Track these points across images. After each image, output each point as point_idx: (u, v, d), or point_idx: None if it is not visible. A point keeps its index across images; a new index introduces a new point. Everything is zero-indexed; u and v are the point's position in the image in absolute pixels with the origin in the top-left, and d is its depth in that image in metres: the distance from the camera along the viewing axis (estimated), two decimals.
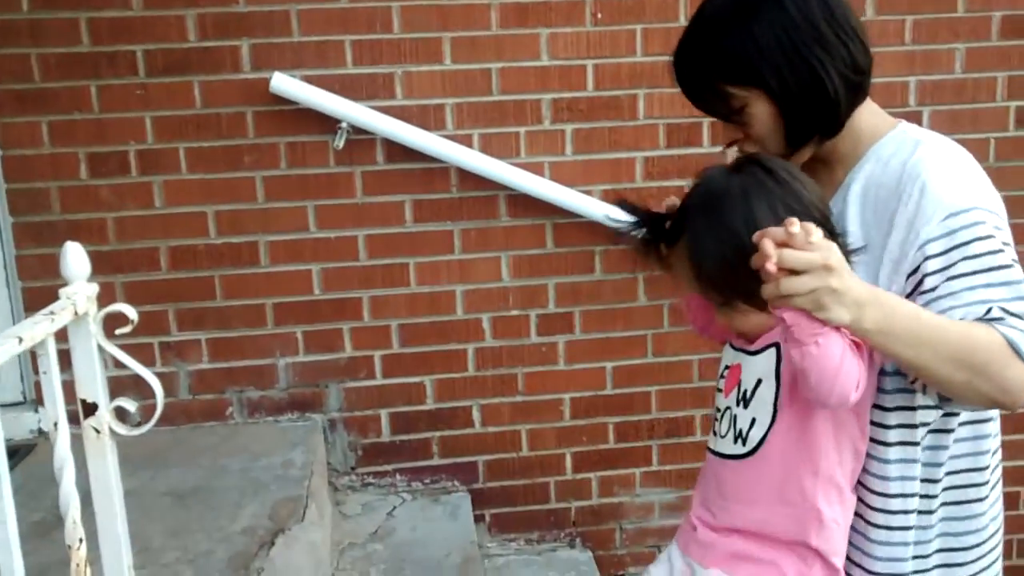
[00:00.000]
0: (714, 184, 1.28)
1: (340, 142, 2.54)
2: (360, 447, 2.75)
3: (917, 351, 1.17)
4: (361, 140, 2.58)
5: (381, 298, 2.67)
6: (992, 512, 1.43)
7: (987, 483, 1.41)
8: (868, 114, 1.39)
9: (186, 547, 1.98)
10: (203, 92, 2.52)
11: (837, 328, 1.14)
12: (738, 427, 1.34)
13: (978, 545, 1.42)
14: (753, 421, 1.31)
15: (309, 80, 2.52)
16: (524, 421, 2.82)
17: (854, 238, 1.33)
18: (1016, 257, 1.27)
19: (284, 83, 2.48)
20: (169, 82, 2.50)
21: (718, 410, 1.40)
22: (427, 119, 2.59)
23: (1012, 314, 1.20)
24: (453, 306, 2.71)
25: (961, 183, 1.31)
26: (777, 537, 1.32)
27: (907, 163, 1.32)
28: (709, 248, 1.25)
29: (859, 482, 1.36)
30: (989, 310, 1.21)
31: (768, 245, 1.08)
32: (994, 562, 1.45)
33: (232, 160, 2.56)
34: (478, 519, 2.82)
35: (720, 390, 1.40)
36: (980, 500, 1.41)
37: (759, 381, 1.31)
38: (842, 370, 1.16)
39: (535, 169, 2.64)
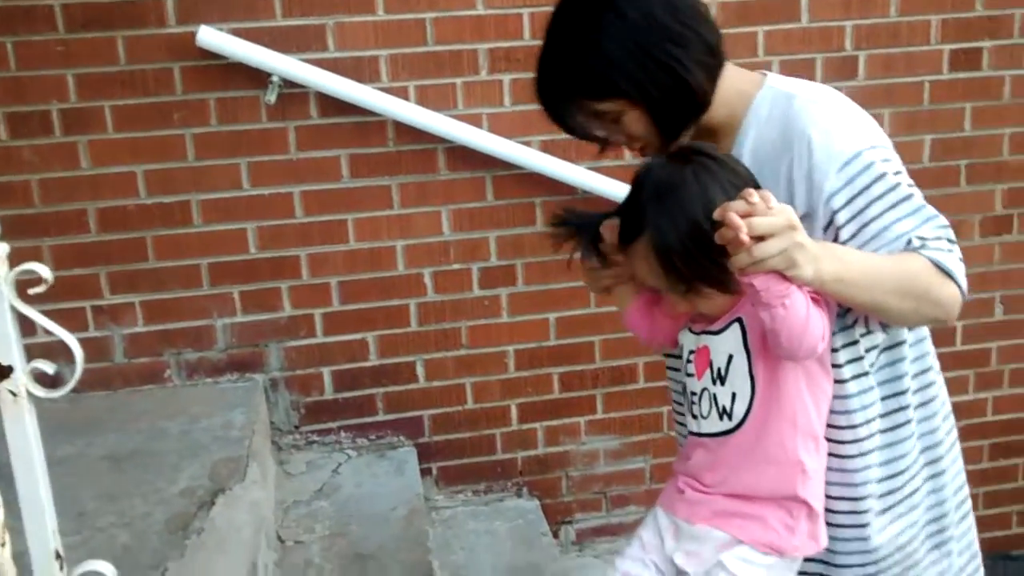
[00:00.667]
0: (665, 176, 1.30)
1: (272, 97, 2.48)
2: (303, 406, 2.73)
3: (870, 292, 1.27)
4: (294, 94, 2.52)
5: (319, 256, 2.63)
6: (947, 405, 1.55)
7: (939, 379, 1.52)
8: (732, 79, 1.42)
9: (122, 511, 1.96)
10: (127, 48, 2.44)
11: (800, 286, 1.21)
12: (720, 404, 1.39)
13: (948, 434, 1.54)
14: (734, 395, 1.37)
15: (237, 33, 2.45)
16: (469, 374, 2.81)
17: None
18: (911, 182, 1.36)
19: (211, 37, 2.41)
20: (91, 38, 2.42)
21: (693, 393, 1.43)
22: (361, 71, 2.54)
23: (927, 239, 1.31)
24: (394, 262, 2.68)
25: (843, 130, 1.35)
26: (765, 496, 1.38)
27: (787, 122, 1.36)
28: (673, 237, 1.26)
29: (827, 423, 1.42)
30: (909, 242, 1.30)
31: (734, 217, 1.13)
32: (957, 453, 1.57)
33: (160, 118, 2.48)
34: (425, 473, 2.83)
35: (691, 375, 1.43)
36: (937, 397, 1.51)
37: (731, 357, 1.36)
38: (809, 325, 1.23)
39: (473, 121, 2.61)
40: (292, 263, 2.62)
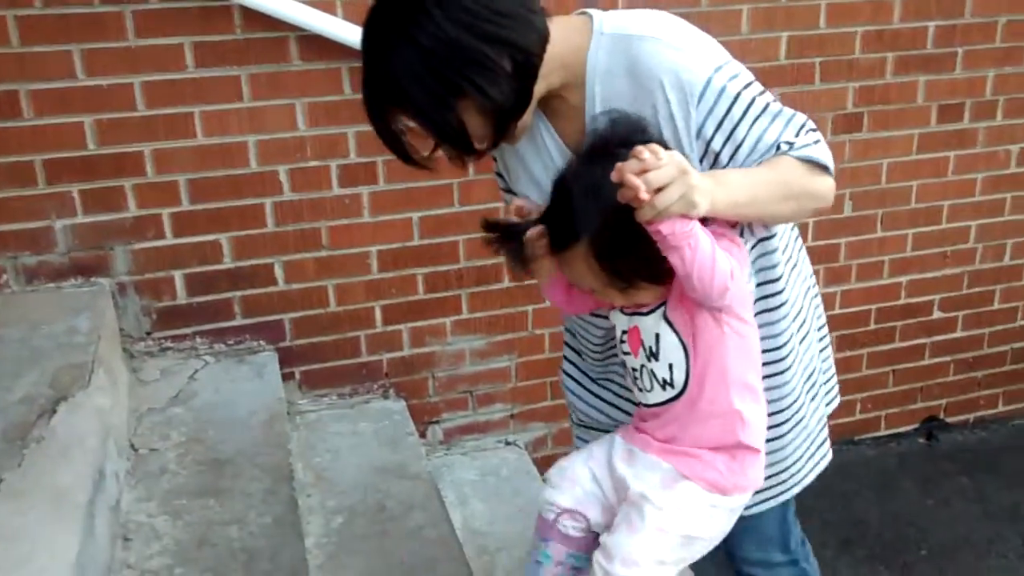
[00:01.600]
0: (589, 179, 1.34)
1: None
2: (155, 311, 2.61)
3: (759, 207, 1.39)
4: None
5: (165, 152, 2.48)
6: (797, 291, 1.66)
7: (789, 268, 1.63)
8: (561, 38, 1.41)
9: None
10: None
11: (703, 226, 1.31)
12: (660, 377, 1.47)
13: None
14: (671, 366, 1.46)
15: None
16: (330, 276, 2.74)
17: None
18: (762, 90, 1.44)
19: None
20: None
21: (634, 370, 1.52)
22: None
23: (793, 141, 1.40)
24: (246, 159, 2.55)
25: (687, 59, 1.39)
26: (712, 447, 1.49)
27: (633, 67, 1.40)
28: (612, 241, 1.34)
29: None
30: (778, 147, 1.40)
31: (631, 177, 1.20)
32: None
33: None
34: (287, 377, 2.76)
35: (627, 353, 1.52)
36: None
37: (658, 335, 1.45)
38: (716, 263, 1.31)
39: (327, 8, 2.47)
40: (135, 159, 2.46)
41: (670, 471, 1.49)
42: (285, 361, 2.74)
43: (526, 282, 2.92)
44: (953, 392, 3.62)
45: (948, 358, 3.55)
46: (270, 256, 2.66)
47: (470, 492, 2.88)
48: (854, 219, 3.21)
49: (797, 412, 1.67)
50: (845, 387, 3.43)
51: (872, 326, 3.37)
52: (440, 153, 1.44)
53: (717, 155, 1.41)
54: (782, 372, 1.62)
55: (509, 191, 1.67)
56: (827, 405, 1.83)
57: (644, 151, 1.22)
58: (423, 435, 3.00)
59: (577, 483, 1.59)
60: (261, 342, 2.73)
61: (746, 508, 1.59)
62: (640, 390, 1.53)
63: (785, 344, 1.61)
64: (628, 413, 1.73)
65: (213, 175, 2.54)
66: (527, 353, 3.03)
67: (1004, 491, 3.28)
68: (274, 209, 2.62)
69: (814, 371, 1.73)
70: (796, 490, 1.74)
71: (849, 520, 3.12)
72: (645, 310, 1.46)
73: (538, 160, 1.55)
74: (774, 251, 1.56)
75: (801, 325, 1.66)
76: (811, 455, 1.75)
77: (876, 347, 3.41)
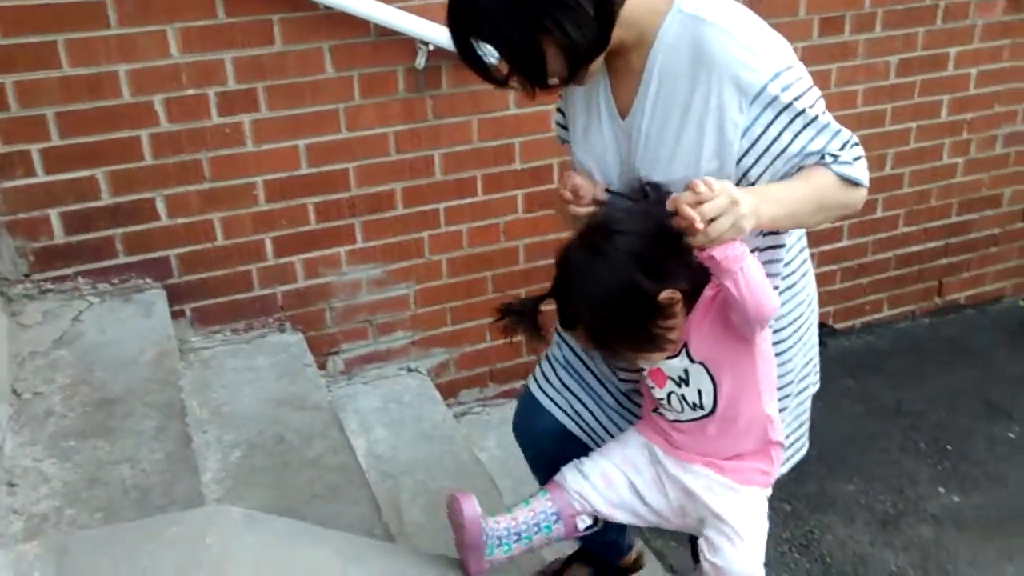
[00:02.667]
0: (582, 266, 1.44)
1: None
2: (31, 252, 2.50)
3: (795, 219, 1.49)
4: None
5: (28, 83, 2.35)
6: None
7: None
8: (641, 1, 1.47)
9: None
10: None
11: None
12: (690, 401, 1.58)
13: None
14: (700, 392, 1.56)
15: None
16: (216, 209, 2.67)
17: (645, 125, 1.53)
18: (815, 99, 1.50)
19: None
20: None
21: (660, 399, 1.62)
22: None
23: (835, 154, 1.49)
24: (118, 89, 2.44)
25: (751, 58, 1.45)
26: (750, 450, 1.62)
27: (697, 50, 1.46)
28: (605, 332, 1.46)
29: None
30: (822, 156, 1.49)
31: (687, 210, 1.30)
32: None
33: None
34: (178, 315, 2.70)
35: (651, 386, 1.62)
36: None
37: (685, 369, 1.54)
38: (767, 284, 1.41)
39: None
40: None
41: (729, 483, 1.63)
42: (174, 298, 2.68)
43: (420, 208, 2.92)
44: (840, 299, 3.76)
45: (835, 267, 3.68)
46: (150, 190, 2.57)
47: (373, 420, 2.89)
48: None
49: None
50: None
51: None
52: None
53: (759, 157, 1.49)
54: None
55: (564, 128, 1.77)
56: (804, 391, 1.91)
57: (700, 184, 1.32)
58: (323, 367, 2.99)
59: (614, 487, 1.70)
60: (147, 280, 2.65)
61: None
62: (668, 410, 1.63)
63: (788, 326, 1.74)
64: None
65: (83, 108, 2.42)
66: (425, 280, 3.03)
67: (887, 391, 3.44)
68: (151, 141, 2.52)
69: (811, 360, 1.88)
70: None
71: None
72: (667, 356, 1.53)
73: (585, 112, 1.64)
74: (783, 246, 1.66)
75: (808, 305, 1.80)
76: (790, 444, 1.88)
77: None
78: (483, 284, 3.10)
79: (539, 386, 1.94)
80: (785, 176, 1.51)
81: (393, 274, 2.97)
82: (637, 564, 2.23)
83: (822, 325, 3.70)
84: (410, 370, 3.13)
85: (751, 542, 1.63)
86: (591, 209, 1.56)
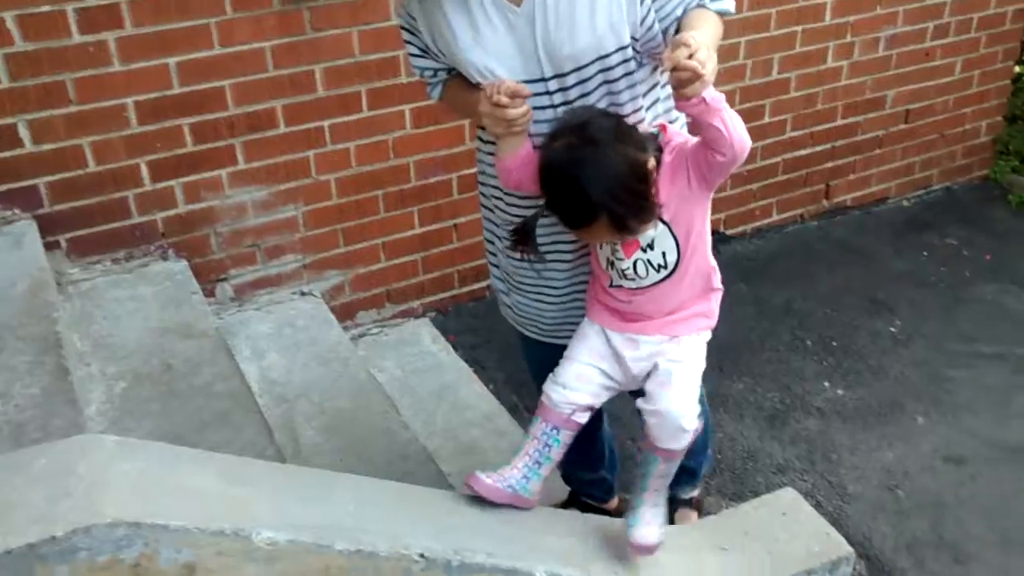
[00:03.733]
0: (584, 167, 1.54)
1: None
2: None
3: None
4: None
5: None
6: None
7: None
8: None
9: None
10: None
11: None
12: (655, 263, 1.72)
13: None
14: (664, 253, 1.70)
15: None
16: (84, 134, 2.54)
17: (552, 3, 1.60)
18: None
19: None
20: None
21: (622, 271, 1.73)
22: None
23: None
24: None
25: None
26: (695, 298, 1.79)
27: None
28: (627, 213, 1.56)
29: None
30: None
31: (688, 63, 1.42)
32: None
33: None
34: (52, 247, 2.59)
35: (619, 259, 1.73)
36: None
37: (653, 237, 1.68)
38: (738, 119, 1.55)
39: None
40: None
41: (675, 339, 1.79)
42: (47, 229, 2.56)
43: (303, 126, 2.83)
44: (731, 205, 3.82)
45: None
46: (11, 116, 2.44)
47: (266, 345, 2.84)
48: None
49: None
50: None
51: None
52: None
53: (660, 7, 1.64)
54: None
55: (423, 54, 1.78)
56: None
57: (689, 39, 1.44)
58: (212, 294, 2.92)
59: (591, 381, 1.83)
60: (15, 211, 2.53)
61: None
62: (629, 279, 1.75)
63: None
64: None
65: None
66: (313, 201, 2.96)
67: (776, 292, 3.54)
68: (7, 62, 2.38)
69: None
70: None
71: None
72: None
73: (466, 16, 1.64)
74: None
75: None
76: None
77: None
78: (374, 203, 3.05)
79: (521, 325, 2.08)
80: (664, 24, 1.65)
81: (279, 196, 2.90)
82: (619, 510, 2.32)
83: (713, 232, 3.79)
84: (303, 294, 3.08)
85: (685, 382, 1.78)
86: (524, 109, 1.61)
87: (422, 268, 3.26)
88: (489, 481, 1.80)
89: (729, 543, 1.99)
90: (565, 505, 2.39)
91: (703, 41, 1.45)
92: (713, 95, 1.49)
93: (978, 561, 2.40)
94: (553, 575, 1.69)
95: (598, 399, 1.87)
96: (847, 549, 2.05)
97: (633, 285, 1.76)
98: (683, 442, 1.78)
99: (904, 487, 2.63)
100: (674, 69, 1.44)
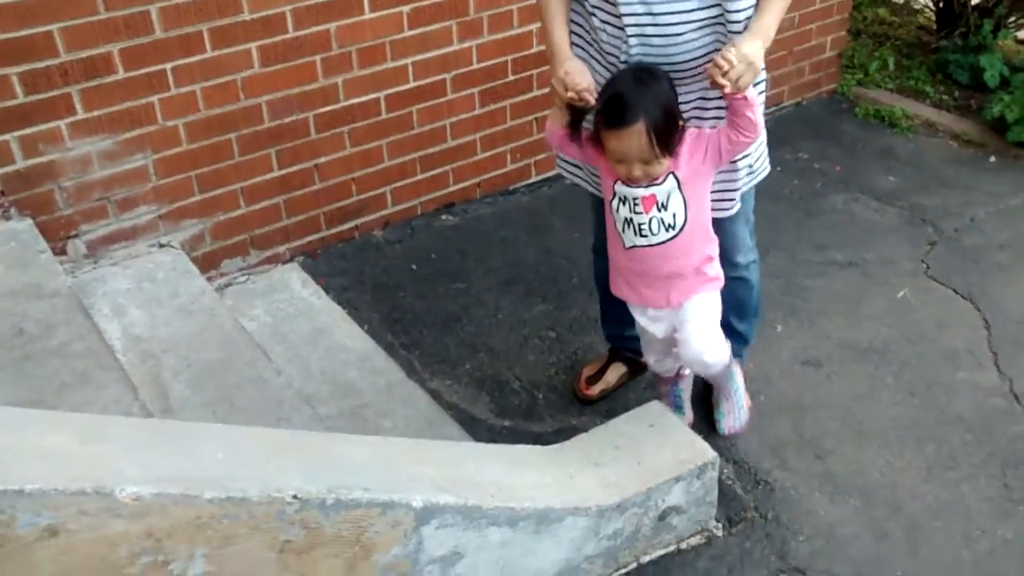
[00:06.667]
0: (642, 84, 1.97)
1: None
2: None
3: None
4: None
5: None
6: None
7: None
8: None
9: None
10: None
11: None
12: (666, 223, 2.10)
13: None
14: (675, 215, 2.09)
15: None
16: None
17: None
18: None
19: None
20: None
21: (640, 224, 2.11)
22: None
23: None
24: None
25: None
26: (700, 264, 2.18)
27: None
28: (661, 121, 1.97)
29: None
30: None
31: (720, 80, 1.91)
32: None
33: None
34: None
35: (639, 212, 2.10)
36: None
37: (669, 193, 2.07)
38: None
39: None
40: None
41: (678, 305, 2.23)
42: None
43: (144, 70, 2.70)
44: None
45: None
46: None
47: (126, 301, 2.74)
48: None
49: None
50: (494, 140, 3.57)
51: (510, 77, 3.46)
52: None
53: None
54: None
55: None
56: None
57: (723, 62, 1.89)
58: (63, 251, 2.79)
59: (659, 351, 2.40)
60: None
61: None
62: (643, 236, 2.12)
63: None
64: None
65: None
66: (163, 148, 2.84)
67: None
68: None
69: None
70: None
71: (509, 263, 3.33)
72: (659, 181, 2.05)
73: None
74: None
75: None
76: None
77: (517, 98, 3.53)
78: (228, 147, 2.95)
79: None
80: None
81: (125, 145, 2.77)
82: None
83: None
84: (161, 246, 2.97)
85: (706, 322, 2.21)
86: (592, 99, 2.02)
87: (285, 212, 3.19)
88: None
89: (600, 458, 2.06)
90: (607, 362, 2.76)
91: (742, 58, 1.88)
92: (752, 95, 1.95)
93: (836, 455, 2.56)
94: (430, 503, 1.71)
95: (673, 360, 2.40)
96: (712, 454, 2.16)
97: (645, 243, 2.13)
98: (710, 370, 2.30)
99: (765, 392, 2.76)
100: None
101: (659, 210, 2.09)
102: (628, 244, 2.17)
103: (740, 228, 2.38)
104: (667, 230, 2.11)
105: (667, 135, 1.99)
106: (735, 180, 2.21)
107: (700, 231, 2.16)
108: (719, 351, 2.26)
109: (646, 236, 2.13)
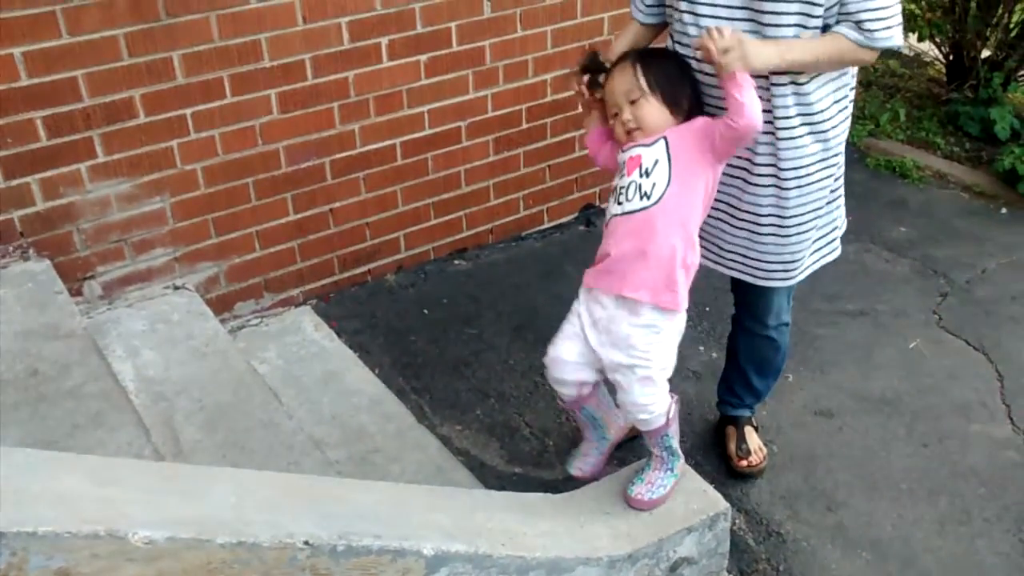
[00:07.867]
0: (659, 57, 2.09)
1: None
2: None
3: (816, 66, 2.02)
4: None
5: None
6: None
7: None
8: None
9: None
10: None
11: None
12: (643, 190, 1.99)
13: None
14: (654, 184, 1.98)
15: None
16: None
17: None
18: None
19: None
20: None
21: (621, 188, 2.02)
22: None
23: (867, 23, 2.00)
24: None
25: None
26: (664, 262, 1.99)
27: None
28: (651, 61, 2.04)
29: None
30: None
31: (710, 46, 1.90)
32: None
33: None
34: None
35: (622, 175, 2.03)
36: None
37: (656, 160, 1.99)
38: (757, 104, 1.94)
39: None
40: None
41: (632, 303, 2.01)
42: None
43: (165, 115, 2.75)
44: (606, 179, 3.89)
45: None
46: None
47: (140, 343, 2.76)
48: (496, 20, 3.26)
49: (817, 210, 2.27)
50: (507, 187, 3.61)
51: (524, 125, 3.51)
52: None
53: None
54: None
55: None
56: (837, 209, 2.39)
57: (716, 32, 1.90)
58: (79, 292, 2.81)
59: (570, 368, 2.14)
60: None
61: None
62: (618, 203, 2.02)
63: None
64: None
65: None
66: (180, 191, 2.88)
67: None
68: None
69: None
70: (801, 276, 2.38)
71: (520, 308, 3.34)
72: (648, 142, 2.00)
73: None
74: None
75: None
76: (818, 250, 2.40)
77: (530, 146, 3.57)
78: (244, 191, 2.99)
79: None
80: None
81: (144, 188, 2.81)
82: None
83: (588, 206, 3.86)
84: (176, 288, 3.00)
85: (641, 382, 2.03)
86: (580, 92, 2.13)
87: (299, 255, 3.22)
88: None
89: (612, 507, 2.05)
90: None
91: (734, 36, 1.89)
92: (744, 77, 1.90)
93: (847, 507, 2.54)
94: (440, 551, 1.70)
95: (585, 376, 2.16)
96: (724, 505, 2.15)
97: (620, 211, 2.02)
98: (648, 426, 2.08)
99: (777, 442, 2.75)
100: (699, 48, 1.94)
101: (641, 176, 1.99)
102: (607, 216, 2.07)
103: (783, 298, 2.46)
104: (642, 198, 1.98)
105: (657, 76, 2.00)
106: (801, 250, 2.31)
107: (675, 219, 1.98)
108: (660, 402, 2.07)
109: (621, 204, 2.01)
